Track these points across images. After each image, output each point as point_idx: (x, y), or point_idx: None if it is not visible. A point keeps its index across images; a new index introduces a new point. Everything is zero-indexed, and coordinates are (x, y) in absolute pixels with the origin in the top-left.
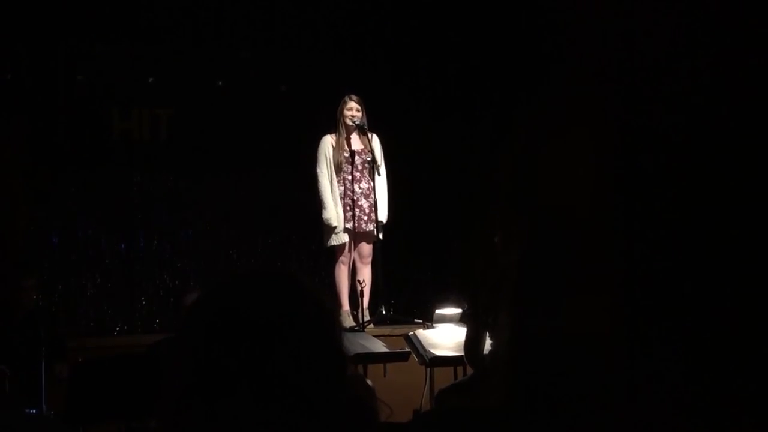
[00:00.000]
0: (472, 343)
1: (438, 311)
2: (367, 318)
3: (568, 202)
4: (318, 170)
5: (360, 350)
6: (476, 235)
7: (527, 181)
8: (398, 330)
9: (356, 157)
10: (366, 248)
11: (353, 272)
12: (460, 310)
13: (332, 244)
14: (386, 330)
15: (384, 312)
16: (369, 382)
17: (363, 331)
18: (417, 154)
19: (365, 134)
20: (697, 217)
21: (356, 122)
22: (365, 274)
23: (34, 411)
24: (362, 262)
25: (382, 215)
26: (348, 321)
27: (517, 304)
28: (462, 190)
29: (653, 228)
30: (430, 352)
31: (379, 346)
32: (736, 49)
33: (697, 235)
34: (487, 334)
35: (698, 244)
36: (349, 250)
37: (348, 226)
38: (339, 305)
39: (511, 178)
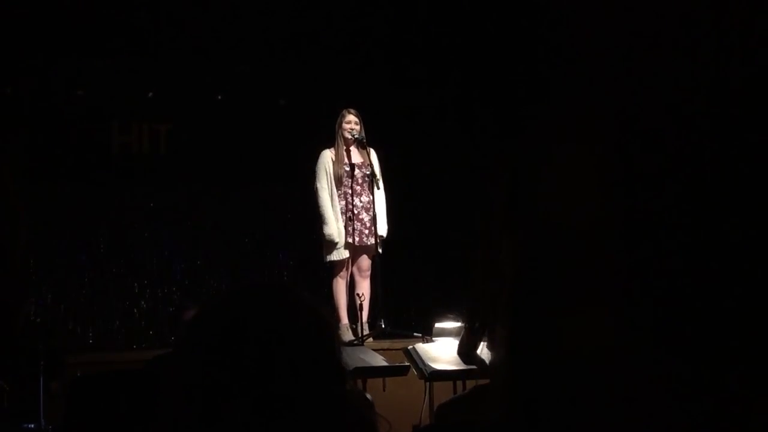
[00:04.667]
0: (467, 347)
1: (438, 325)
2: (366, 332)
3: (568, 211)
4: (318, 185)
5: (359, 364)
6: (476, 248)
7: (526, 191)
8: (398, 344)
9: (356, 171)
10: (366, 262)
11: (352, 286)
12: (459, 324)
13: (333, 259)
14: (385, 344)
15: (383, 326)
16: (368, 396)
17: (362, 344)
18: (417, 166)
19: (364, 148)
20: (704, 224)
21: (355, 135)
22: (364, 287)
23: (32, 426)
24: (361, 276)
25: (382, 229)
26: (347, 335)
27: (513, 316)
28: (463, 202)
29: (657, 236)
30: (430, 366)
31: (379, 360)
32: (739, 48)
33: (703, 242)
34: (484, 343)
35: (705, 252)
36: (348, 265)
37: (349, 240)
38: (338, 319)
39: (509, 187)
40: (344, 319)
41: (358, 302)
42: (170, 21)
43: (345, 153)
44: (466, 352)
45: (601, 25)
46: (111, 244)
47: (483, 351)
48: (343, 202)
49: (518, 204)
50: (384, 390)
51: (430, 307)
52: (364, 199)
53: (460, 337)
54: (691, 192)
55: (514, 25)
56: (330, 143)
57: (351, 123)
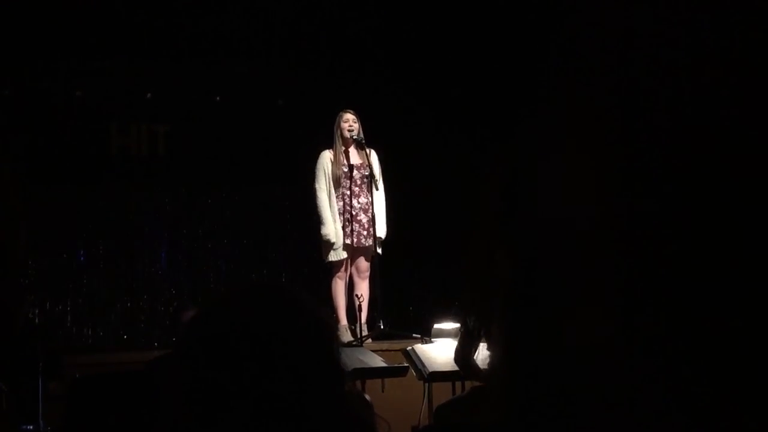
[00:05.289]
0: (463, 352)
1: (436, 326)
2: (365, 333)
3: (567, 210)
4: (317, 185)
5: (358, 365)
6: (473, 249)
7: (525, 190)
8: (396, 345)
9: (355, 172)
10: (364, 263)
11: (351, 287)
12: (458, 325)
13: (331, 259)
14: (384, 345)
15: (382, 327)
16: (367, 397)
17: (361, 345)
18: (416, 167)
19: (363, 149)
20: (704, 224)
21: (354, 134)
22: (363, 288)
23: (31, 427)
24: (360, 277)
25: (381, 231)
26: (346, 336)
27: (511, 317)
28: (462, 203)
29: (657, 237)
30: (429, 367)
31: (377, 361)
32: (739, 48)
33: (704, 243)
34: (483, 344)
35: (705, 252)
36: (347, 266)
37: (347, 241)
38: (337, 320)
39: (506, 187)
40: (343, 320)
41: (357, 303)
42: (168, 22)
43: (343, 154)
44: (461, 359)
45: (600, 24)
46: (110, 244)
47: (481, 353)
48: (341, 203)
49: (516, 203)
50: (383, 391)
51: (429, 308)
52: (362, 200)
53: (457, 341)
54: (692, 192)
55: (513, 25)
56: (329, 144)
57: (349, 121)
